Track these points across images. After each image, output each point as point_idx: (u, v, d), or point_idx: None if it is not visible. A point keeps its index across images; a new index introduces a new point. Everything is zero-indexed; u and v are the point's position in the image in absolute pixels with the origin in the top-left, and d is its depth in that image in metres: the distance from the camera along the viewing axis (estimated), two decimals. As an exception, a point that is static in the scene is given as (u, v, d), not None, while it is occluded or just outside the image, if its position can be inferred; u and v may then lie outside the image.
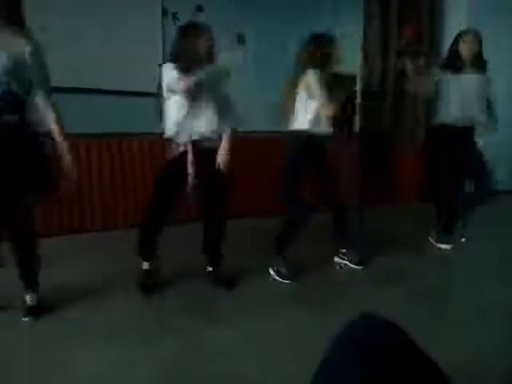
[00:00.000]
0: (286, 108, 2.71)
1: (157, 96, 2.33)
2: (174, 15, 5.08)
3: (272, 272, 2.71)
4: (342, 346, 0.72)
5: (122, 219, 3.71)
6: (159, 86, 2.28)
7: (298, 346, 1.88)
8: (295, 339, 1.96)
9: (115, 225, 3.66)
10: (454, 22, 5.01)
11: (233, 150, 2.38)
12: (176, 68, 2.19)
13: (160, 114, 2.34)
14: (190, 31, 2.24)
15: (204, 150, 2.30)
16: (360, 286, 2.60)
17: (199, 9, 5.15)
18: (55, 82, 2.06)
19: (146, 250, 2.50)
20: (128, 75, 4.27)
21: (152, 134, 2.81)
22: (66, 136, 2.05)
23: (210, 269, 2.60)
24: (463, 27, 4.86)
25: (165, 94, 2.26)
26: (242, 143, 3.95)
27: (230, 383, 1.63)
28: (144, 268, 2.51)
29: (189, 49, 2.19)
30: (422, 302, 2.38)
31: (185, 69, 2.17)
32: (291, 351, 1.85)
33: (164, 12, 5.02)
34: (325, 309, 2.26)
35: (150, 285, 2.46)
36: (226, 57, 5.17)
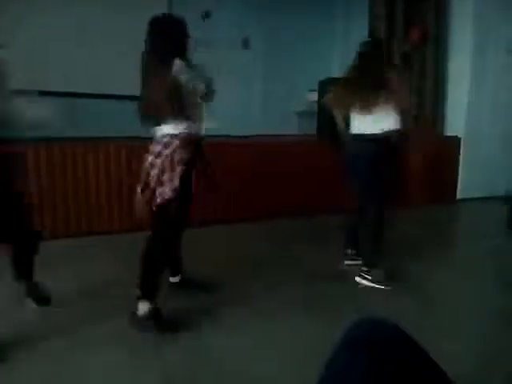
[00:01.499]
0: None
1: None
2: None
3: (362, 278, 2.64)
4: (348, 346, 0.72)
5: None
6: None
7: (307, 350, 1.87)
8: (304, 343, 1.95)
9: (120, 228, 3.66)
10: (460, 24, 5.01)
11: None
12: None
13: None
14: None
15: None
16: (371, 292, 2.58)
17: (207, 14, 5.20)
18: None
19: (154, 288, 2.08)
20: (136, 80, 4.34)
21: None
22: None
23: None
24: (469, 28, 4.92)
25: None
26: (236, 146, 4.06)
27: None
28: (149, 308, 2.04)
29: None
30: (430, 308, 2.37)
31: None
32: (301, 355, 1.85)
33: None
34: (334, 313, 2.25)
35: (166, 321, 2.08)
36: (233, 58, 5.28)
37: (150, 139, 2.09)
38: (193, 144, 2.05)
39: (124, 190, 3.61)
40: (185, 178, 1.99)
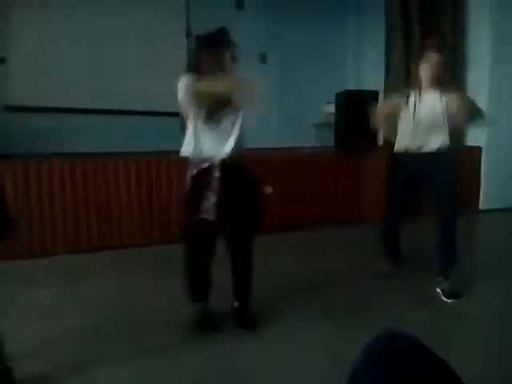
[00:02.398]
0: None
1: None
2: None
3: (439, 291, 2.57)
4: (368, 360, 0.72)
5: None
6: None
7: (324, 360, 1.87)
8: (321, 354, 1.94)
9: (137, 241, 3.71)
10: (477, 34, 4.98)
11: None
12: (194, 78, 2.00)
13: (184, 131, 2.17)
14: (211, 41, 2.13)
15: (230, 167, 2.11)
16: (390, 302, 2.55)
17: (223, 30, 5.30)
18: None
19: (198, 289, 2.22)
20: (154, 96, 4.44)
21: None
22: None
23: (236, 304, 2.27)
24: (486, 38, 4.88)
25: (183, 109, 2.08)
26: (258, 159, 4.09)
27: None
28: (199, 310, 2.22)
29: (209, 60, 2.07)
30: (449, 320, 2.32)
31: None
32: (320, 365, 1.84)
33: (188, 33, 5.21)
34: (352, 323, 2.24)
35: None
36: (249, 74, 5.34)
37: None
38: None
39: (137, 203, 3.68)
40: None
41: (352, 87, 5.39)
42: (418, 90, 2.54)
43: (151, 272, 3.04)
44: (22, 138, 4.01)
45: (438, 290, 2.58)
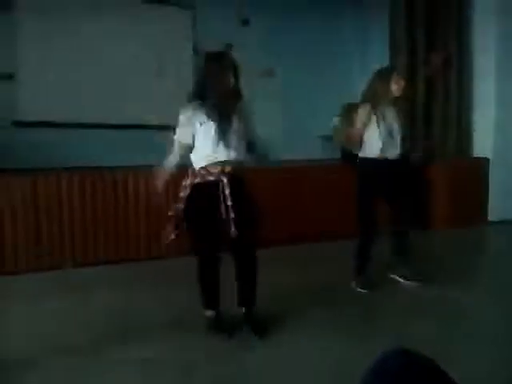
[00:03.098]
0: (352, 134, 2.90)
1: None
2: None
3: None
4: (381, 380, 0.71)
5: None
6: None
7: (327, 370, 1.87)
8: (324, 363, 1.94)
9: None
10: (483, 47, 5.00)
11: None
12: (200, 106, 2.16)
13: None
14: (218, 62, 2.19)
15: (233, 178, 2.19)
16: (391, 311, 2.56)
17: (229, 47, 5.37)
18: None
19: (212, 297, 2.34)
20: (163, 112, 4.48)
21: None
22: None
23: (244, 310, 2.32)
24: (493, 50, 4.89)
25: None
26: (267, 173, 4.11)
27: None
28: (211, 317, 2.33)
29: (213, 78, 2.15)
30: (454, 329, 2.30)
31: (212, 107, 2.14)
32: (323, 376, 1.84)
33: (195, 51, 5.28)
34: (354, 333, 2.24)
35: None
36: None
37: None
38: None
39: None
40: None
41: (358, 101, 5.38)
42: (383, 105, 2.86)
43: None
44: (30, 153, 4.06)
45: (397, 277, 2.99)
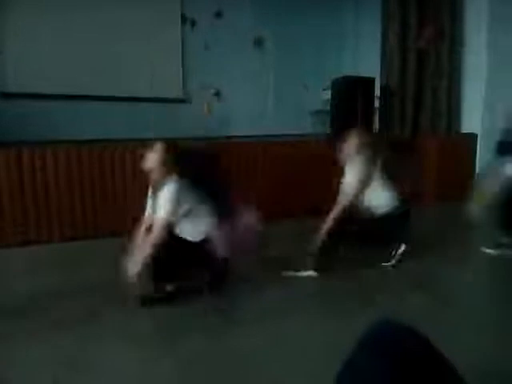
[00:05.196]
0: None
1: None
2: (193, 22, 5.15)
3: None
4: (367, 349, 0.73)
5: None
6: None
7: (320, 347, 1.90)
8: (318, 340, 1.98)
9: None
10: (475, 20, 4.94)
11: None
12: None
13: None
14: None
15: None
16: (385, 288, 2.61)
17: (218, 15, 5.22)
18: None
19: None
20: (151, 82, 4.39)
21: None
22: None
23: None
24: (484, 24, 4.83)
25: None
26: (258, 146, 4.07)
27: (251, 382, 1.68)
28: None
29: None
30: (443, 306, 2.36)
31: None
32: (314, 352, 1.87)
33: (183, 19, 5.12)
34: (347, 311, 2.27)
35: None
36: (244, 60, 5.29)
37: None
38: None
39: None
40: None
41: (349, 74, 5.34)
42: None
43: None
44: (17, 125, 3.97)
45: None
